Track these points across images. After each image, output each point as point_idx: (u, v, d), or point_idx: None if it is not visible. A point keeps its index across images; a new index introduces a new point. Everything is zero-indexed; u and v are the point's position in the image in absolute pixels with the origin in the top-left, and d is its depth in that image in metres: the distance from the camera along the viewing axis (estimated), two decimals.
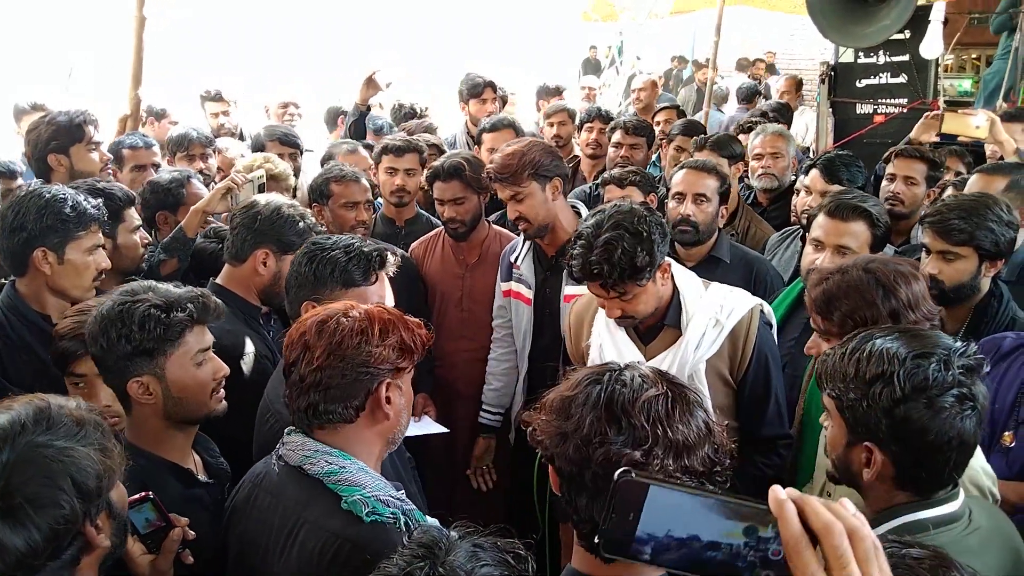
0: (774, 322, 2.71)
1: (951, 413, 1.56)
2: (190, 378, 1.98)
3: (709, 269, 3.22)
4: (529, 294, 3.32)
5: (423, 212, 4.21)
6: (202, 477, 2.09)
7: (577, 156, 5.64)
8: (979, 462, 1.95)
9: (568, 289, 3.17)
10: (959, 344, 1.65)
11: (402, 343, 1.77)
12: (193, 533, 1.75)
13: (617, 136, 4.88)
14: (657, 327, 2.53)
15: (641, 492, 0.93)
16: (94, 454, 1.34)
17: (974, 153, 4.37)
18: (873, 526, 1.59)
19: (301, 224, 2.82)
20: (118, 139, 4.03)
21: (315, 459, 1.72)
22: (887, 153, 4.23)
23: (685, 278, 2.56)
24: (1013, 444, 2.26)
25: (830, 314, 2.04)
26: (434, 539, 1.24)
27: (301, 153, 4.60)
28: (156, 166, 3.95)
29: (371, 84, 4.95)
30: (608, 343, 2.59)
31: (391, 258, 2.41)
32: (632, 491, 0.93)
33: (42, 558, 1.25)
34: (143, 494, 1.69)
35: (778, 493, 0.89)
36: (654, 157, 5.57)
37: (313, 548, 1.64)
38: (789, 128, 6.07)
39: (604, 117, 5.39)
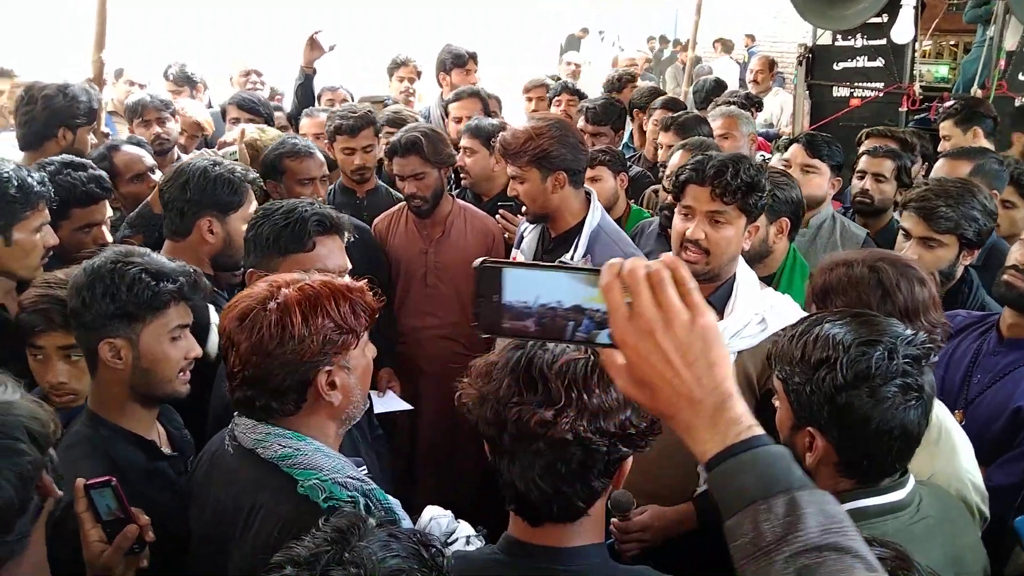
0: None
1: (894, 403, 1.51)
2: (162, 352, 1.92)
3: None
4: None
5: (382, 184, 4.09)
6: (166, 450, 2.03)
7: None
8: (969, 476, 1.89)
9: None
10: (908, 332, 1.60)
11: (340, 321, 1.64)
12: (153, 536, 1.64)
13: (580, 124, 4.53)
14: None
15: (498, 274, 1.01)
16: (35, 408, 1.28)
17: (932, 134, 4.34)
18: None
19: (234, 179, 2.71)
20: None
21: (268, 442, 1.64)
22: (858, 135, 4.24)
23: (746, 272, 2.49)
24: (963, 423, 2.24)
25: (825, 306, 1.95)
26: (350, 523, 1.21)
27: (266, 119, 4.41)
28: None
29: (314, 46, 4.73)
30: None
31: (345, 222, 2.33)
32: (490, 275, 1.01)
33: (13, 511, 1.18)
34: (106, 478, 1.58)
35: (610, 263, 0.98)
36: (626, 136, 5.54)
37: (269, 534, 1.56)
38: (759, 113, 6.08)
39: (572, 90, 5.36)
